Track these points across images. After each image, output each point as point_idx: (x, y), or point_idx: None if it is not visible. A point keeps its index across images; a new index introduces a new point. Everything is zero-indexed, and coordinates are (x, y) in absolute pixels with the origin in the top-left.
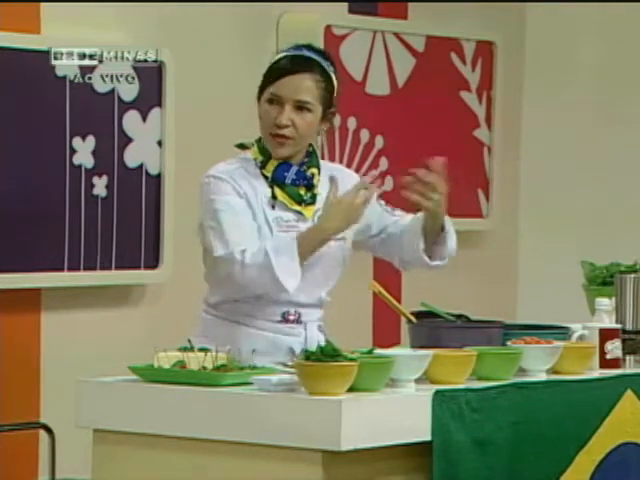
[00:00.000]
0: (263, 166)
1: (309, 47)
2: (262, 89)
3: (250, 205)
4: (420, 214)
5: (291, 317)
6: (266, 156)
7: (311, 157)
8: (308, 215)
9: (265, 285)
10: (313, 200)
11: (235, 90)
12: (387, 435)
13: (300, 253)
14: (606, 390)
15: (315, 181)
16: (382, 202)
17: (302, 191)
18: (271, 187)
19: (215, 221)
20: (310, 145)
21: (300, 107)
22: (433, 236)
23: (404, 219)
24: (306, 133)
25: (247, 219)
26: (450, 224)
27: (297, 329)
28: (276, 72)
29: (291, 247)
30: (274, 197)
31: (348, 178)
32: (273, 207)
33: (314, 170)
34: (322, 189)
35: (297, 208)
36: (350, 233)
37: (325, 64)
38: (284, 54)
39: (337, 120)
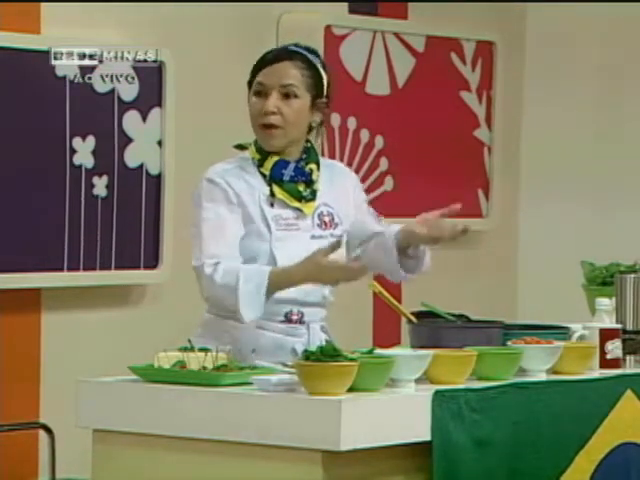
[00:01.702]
0: (261, 164)
1: (296, 44)
2: (249, 86)
3: (245, 207)
4: (396, 228)
5: (294, 317)
6: (263, 154)
7: (309, 153)
8: (308, 211)
9: (227, 307)
10: (313, 196)
11: (235, 90)
12: (387, 435)
13: (269, 291)
14: (606, 390)
15: (314, 177)
16: (371, 210)
17: (301, 187)
18: (269, 185)
19: (198, 229)
20: (307, 141)
21: (286, 94)
22: (408, 250)
23: (387, 229)
24: (295, 121)
25: (231, 231)
26: None
27: (300, 329)
28: (259, 64)
29: (261, 280)
30: (273, 195)
31: (345, 175)
32: (272, 205)
33: (312, 166)
34: (322, 185)
35: (297, 205)
36: (344, 235)
37: (310, 56)
38: (269, 50)
39: (337, 120)
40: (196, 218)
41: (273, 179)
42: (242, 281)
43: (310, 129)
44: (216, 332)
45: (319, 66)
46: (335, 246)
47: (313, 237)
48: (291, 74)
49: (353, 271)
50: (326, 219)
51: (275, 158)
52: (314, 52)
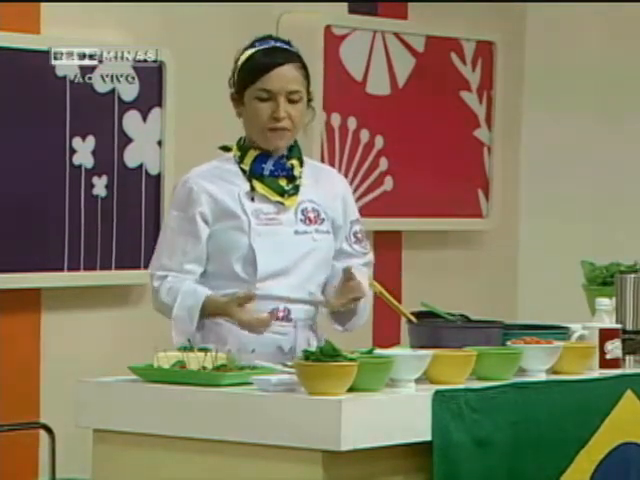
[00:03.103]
0: (241, 160)
1: (273, 38)
2: (243, 88)
3: (224, 204)
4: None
5: (280, 314)
6: (243, 150)
7: (292, 150)
8: (290, 204)
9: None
10: (296, 191)
11: None
12: (387, 435)
13: (202, 315)
14: (606, 390)
15: (296, 172)
16: (358, 229)
17: (283, 182)
18: (249, 180)
19: (163, 236)
20: None
21: (292, 98)
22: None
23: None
24: (300, 123)
25: (186, 242)
26: (367, 300)
27: (286, 327)
28: (258, 68)
29: (195, 308)
30: (253, 189)
31: (335, 179)
32: (252, 199)
33: (294, 162)
34: (307, 181)
35: (278, 199)
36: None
37: (295, 50)
38: (255, 50)
39: (337, 120)
40: (165, 222)
41: (253, 174)
42: (177, 306)
43: None
44: (203, 330)
45: (304, 61)
46: (248, 299)
47: (297, 232)
48: (296, 79)
49: (255, 325)
50: (311, 215)
51: (255, 153)
52: (289, 44)
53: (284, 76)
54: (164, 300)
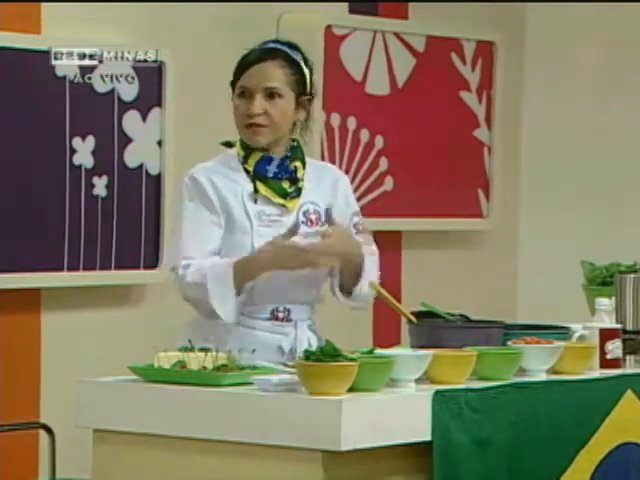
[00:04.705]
0: (245, 161)
1: (276, 40)
2: (233, 87)
3: (227, 204)
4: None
5: (280, 314)
6: (248, 151)
7: (294, 151)
8: (292, 207)
9: (202, 306)
10: (298, 193)
11: None
12: (387, 435)
13: (236, 281)
14: (606, 390)
15: (299, 175)
16: (358, 220)
17: (286, 185)
18: (253, 181)
19: (178, 229)
20: (294, 140)
21: (270, 94)
22: (350, 278)
23: None
24: (280, 120)
25: (208, 233)
26: (369, 267)
27: (286, 327)
28: (242, 66)
29: (227, 275)
30: (256, 191)
31: (336, 177)
32: (255, 201)
33: (297, 164)
34: (308, 183)
35: (280, 201)
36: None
37: (291, 52)
38: (250, 49)
39: (337, 120)
40: (176, 216)
41: (257, 175)
42: (210, 278)
43: (294, 125)
44: (203, 332)
45: (301, 62)
46: (294, 229)
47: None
48: (274, 75)
49: (315, 252)
50: (312, 217)
51: (259, 154)
52: (295, 47)
53: (261, 73)
54: (192, 281)
